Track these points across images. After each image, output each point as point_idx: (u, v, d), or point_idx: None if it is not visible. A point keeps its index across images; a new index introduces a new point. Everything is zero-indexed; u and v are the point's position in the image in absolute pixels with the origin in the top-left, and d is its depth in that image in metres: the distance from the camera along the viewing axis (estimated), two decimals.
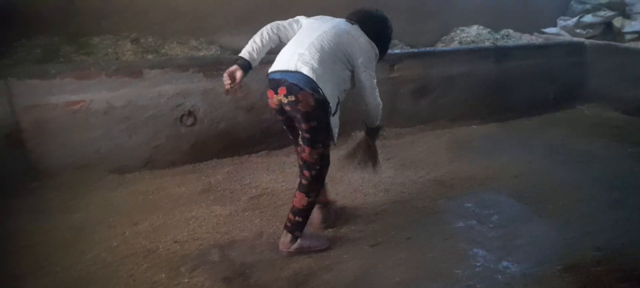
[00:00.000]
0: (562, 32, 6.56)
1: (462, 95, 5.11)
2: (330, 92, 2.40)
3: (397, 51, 4.79)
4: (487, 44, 5.46)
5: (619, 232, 2.98)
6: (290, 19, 2.69)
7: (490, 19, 6.16)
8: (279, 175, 3.65)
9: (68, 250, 2.62)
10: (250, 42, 2.58)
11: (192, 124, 3.76)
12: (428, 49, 5.14)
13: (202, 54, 4.24)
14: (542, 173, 3.85)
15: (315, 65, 2.36)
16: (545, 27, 6.71)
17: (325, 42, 2.45)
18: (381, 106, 2.69)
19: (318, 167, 2.52)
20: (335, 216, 3.01)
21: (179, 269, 2.49)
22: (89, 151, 3.46)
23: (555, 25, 6.76)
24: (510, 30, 6.10)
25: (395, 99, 4.68)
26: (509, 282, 2.47)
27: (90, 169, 3.48)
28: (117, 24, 4.09)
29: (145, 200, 3.23)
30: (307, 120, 2.39)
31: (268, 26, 2.63)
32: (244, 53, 2.55)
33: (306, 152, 2.49)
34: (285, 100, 2.40)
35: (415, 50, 4.96)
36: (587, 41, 6.11)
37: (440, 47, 5.51)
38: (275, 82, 2.43)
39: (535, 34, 6.47)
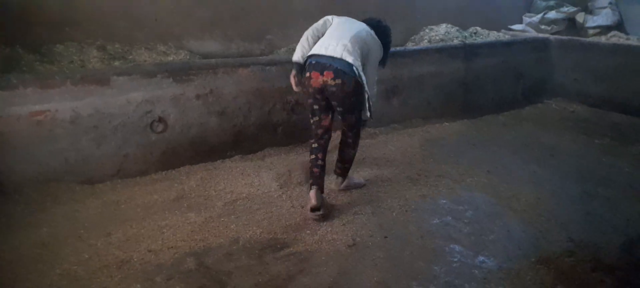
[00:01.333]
0: (528, 28, 6.71)
1: (433, 93, 5.16)
2: (364, 77, 3.03)
3: None
4: (455, 41, 5.53)
5: (590, 223, 3.06)
6: (322, 20, 3.30)
7: (458, 18, 6.26)
8: (254, 179, 3.61)
9: (37, 265, 2.52)
10: (299, 47, 3.22)
11: (163, 131, 3.68)
12: (398, 48, 5.16)
13: (171, 58, 4.18)
14: (513, 168, 3.92)
15: (356, 55, 3.00)
16: (511, 24, 6.85)
17: (360, 39, 3.09)
18: (376, 99, 3.34)
19: (358, 126, 3.25)
20: (327, 204, 3.29)
21: (154, 279, 2.43)
22: (55, 162, 3.35)
23: (521, 22, 6.91)
24: (478, 28, 6.20)
25: None
26: (485, 277, 2.50)
27: (57, 181, 3.36)
28: (82, 31, 3.99)
29: (117, 210, 3.15)
30: (349, 97, 3.01)
31: (309, 31, 3.24)
32: (298, 58, 3.20)
33: (348, 119, 3.16)
34: (332, 83, 2.94)
35: None
36: (552, 37, 6.26)
37: (410, 46, 5.56)
38: (320, 66, 2.96)
39: (502, 31, 6.60)
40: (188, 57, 4.26)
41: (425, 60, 5.05)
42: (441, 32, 5.79)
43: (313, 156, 3.19)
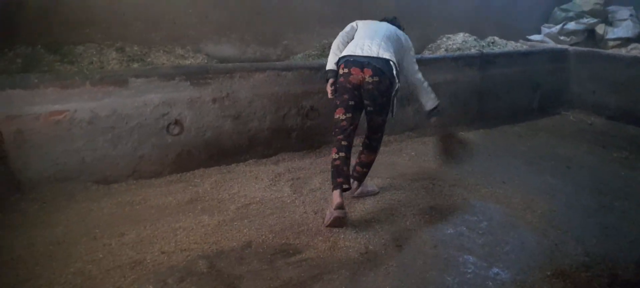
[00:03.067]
0: (547, 39, 6.65)
1: (448, 101, 5.13)
2: (411, 70, 3.35)
3: None
4: (473, 51, 5.50)
5: (606, 237, 3.01)
6: (348, 26, 3.38)
7: (476, 27, 6.23)
8: (267, 184, 3.62)
9: (51, 263, 2.56)
10: (332, 55, 3.30)
11: (179, 133, 3.71)
12: (417, 55, 5.15)
13: (189, 62, 4.20)
14: (529, 179, 3.87)
15: (391, 52, 3.13)
16: (530, 35, 6.80)
17: (392, 37, 3.25)
18: (427, 83, 3.44)
19: (382, 131, 3.29)
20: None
21: (166, 281, 2.44)
22: (72, 162, 3.40)
23: (539, 33, 6.85)
24: (496, 38, 6.16)
25: None
26: None
27: (73, 180, 3.41)
28: (102, 33, 4.04)
29: (131, 211, 3.17)
30: (383, 96, 3.08)
31: (338, 39, 3.34)
32: (331, 66, 3.29)
33: (375, 120, 3.20)
34: (369, 80, 3.02)
35: None
36: (570, 48, 6.20)
37: (426, 54, 5.54)
38: (360, 63, 3.05)
39: (520, 41, 6.55)
40: (206, 61, 4.28)
41: (442, 68, 5.03)
42: (458, 41, 5.76)
43: (342, 154, 3.08)
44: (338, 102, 3.15)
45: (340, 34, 3.35)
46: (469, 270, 2.62)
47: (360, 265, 2.63)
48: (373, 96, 3.06)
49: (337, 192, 3.03)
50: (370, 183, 3.60)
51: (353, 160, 3.34)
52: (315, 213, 3.19)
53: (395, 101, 3.18)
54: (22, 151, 3.23)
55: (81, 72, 3.41)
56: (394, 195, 3.52)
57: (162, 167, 3.71)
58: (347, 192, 3.22)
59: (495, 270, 2.63)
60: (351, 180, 3.26)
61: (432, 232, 3.01)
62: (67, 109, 3.29)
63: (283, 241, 2.86)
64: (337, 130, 3.14)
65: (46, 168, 3.32)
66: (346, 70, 3.08)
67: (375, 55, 3.05)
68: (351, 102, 3.11)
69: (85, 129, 3.38)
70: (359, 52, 3.09)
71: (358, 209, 3.28)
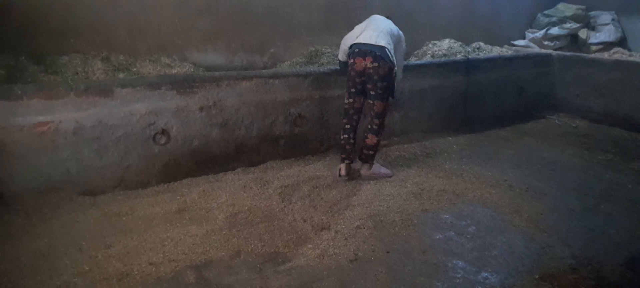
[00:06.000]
0: (531, 44, 6.74)
1: (434, 107, 5.17)
2: (396, 62, 3.71)
3: None
4: (458, 56, 5.55)
5: (592, 239, 3.04)
6: (355, 27, 3.92)
7: (461, 33, 6.30)
8: (255, 192, 3.60)
9: (36, 276, 2.51)
10: (341, 51, 3.93)
11: (166, 143, 3.69)
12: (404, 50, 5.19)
13: (175, 71, 4.19)
14: (515, 182, 3.91)
15: (388, 40, 3.68)
16: (514, 40, 6.88)
17: (389, 30, 3.79)
18: (401, 76, 4.09)
19: (384, 114, 3.80)
20: (355, 172, 3.93)
21: None
22: (57, 173, 3.35)
23: (524, 38, 6.94)
24: (481, 43, 6.23)
25: None
26: None
27: (59, 192, 3.36)
28: (87, 43, 4.02)
29: (118, 222, 3.14)
30: (382, 80, 3.61)
31: (346, 37, 3.90)
32: (344, 57, 3.92)
33: (377, 105, 3.70)
34: (370, 66, 3.59)
35: None
36: (554, 52, 6.28)
37: (412, 60, 5.57)
38: (363, 52, 3.63)
39: (505, 46, 6.63)
40: (192, 70, 4.27)
41: (428, 74, 5.06)
42: (444, 47, 5.81)
43: (346, 135, 3.83)
44: (345, 90, 3.81)
45: (348, 34, 3.90)
46: (458, 275, 2.63)
47: (350, 273, 2.63)
48: (374, 81, 3.61)
49: (342, 165, 3.83)
50: (383, 167, 4.02)
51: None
52: (304, 221, 3.18)
53: (396, 85, 3.80)
54: (5, 162, 3.18)
55: (66, 83, 3.38)
56: (382, 201, 3.52)
57: (149, 177, 3.68)
58: (362, 172, 3.90)
59: (484, 274, 2.64)
60: (360, 163, 3.91)
61: (421, 238, 3.02)
62: (51, 120, 3.25)
63: (272, 250, 2.85)
64: (343, 114, 3.88)
65: (31, 180, 3.28)
66: (352, 60, 3.69)
67: (374, 43, 3.60)
68: (353, 89, 3.74)
69: (71, 139, 3.34)
70: (362, 40, 3.67)
71: (347, 216, 3.28)
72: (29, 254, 2.72)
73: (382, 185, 3.80)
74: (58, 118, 3.27)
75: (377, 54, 3.56)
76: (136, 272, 2.58)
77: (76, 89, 3.31)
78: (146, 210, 3.30)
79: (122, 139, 3.51)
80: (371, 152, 3.85)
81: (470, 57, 5.58)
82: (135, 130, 3.55)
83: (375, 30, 3.72)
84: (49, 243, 2.85)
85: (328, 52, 5.10)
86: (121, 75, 3.81)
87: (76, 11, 3.97)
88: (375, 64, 3.56)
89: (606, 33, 6.46)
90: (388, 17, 4.01)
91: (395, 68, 3.68)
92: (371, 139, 3.81)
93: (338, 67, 4.22)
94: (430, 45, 5.93)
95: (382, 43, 3.61)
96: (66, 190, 3.39)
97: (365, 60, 3.60)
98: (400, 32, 3.95)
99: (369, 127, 3.81)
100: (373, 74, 3.59)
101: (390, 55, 3.62)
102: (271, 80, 4.06)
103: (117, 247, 2.83)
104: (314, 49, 5.16)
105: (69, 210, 3.24)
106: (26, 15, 3.77)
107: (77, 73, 3.70)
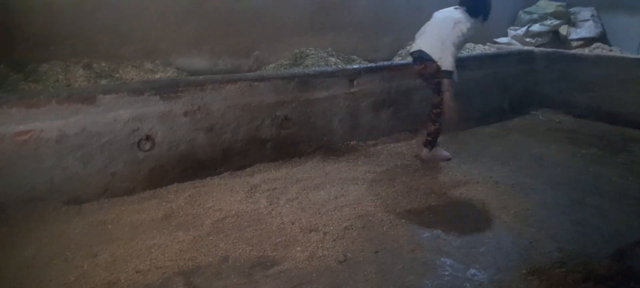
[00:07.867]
0: (513, 41, 6.80)
1: (420, 106, 5.18)
2: (447, 59, 3.98)
3: (356, 66, 4.83)
4: None
5: (579, 233, 3.07)
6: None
7: None
8: (243, 196, 3.58)
9: None
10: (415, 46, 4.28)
11: (150, 148, 3.65)
12: (386, 63, 5.20)
13: (159, 76, 4.16)
14: (502, 179, 3.93)
15: (433, 41, 4.07)
16: (497, 38, 6.93)
17: (436, 26, 4.18)
18: (454, 58, 4.07)
19: (439, 108, 4.20)
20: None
21: None
22: (41, 182, 3.30)
23: (506, 35, 7.00)
24: None
25: (356, 113, 4.71)
26: None
27: (43, 201, 3.31)
28: (68, 50, 3.97)
29: (104, 230, 3.09)
30: (433, 78, 4.11)
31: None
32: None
33: (434, 97, 4.20)
34: (423, 70, 4.15)
35: (374, 65, 5.01)
36: (536, 49, 6.35)
37: (397, 60, 5.59)
38: (414, 60, 4.27)
39: (488, 44, 6.67)
40: (176, 74, 4.24)
41: (413, 73, 5.06)
42: None
43: (437, 125, 4.32)
44: None
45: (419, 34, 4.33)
46: (447, 273, 2.64)
47: (339, 274, 2.62)
48: (427, 80, 4.22)
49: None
50: (444, 150, 4.47)
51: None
52: (293, 224, 3.17)
53: (452, 74, 4.02)
54: None
55: (46, 91, 3.33)
56: (371, 201, 3.52)
57: (134, 184, 3.64)
58: (422, 154, 4.42)
59: (472, 271, 2.65)
60: (422, 147, 4.44)
61: (410, 236, 3.02)
62: (33, 129, 3.20)
63: (260, 253, 2.83)
64: None
65: (13, 190, 3.22)
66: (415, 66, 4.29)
67: (418, 49, 4.12)
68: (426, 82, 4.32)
69: (54, 148, 3.29)
70: (417, 47, 4.16)
71: (335, 217, 3.27)
72: (13, 265, 2.67)
73: (370, 185, 3.80)
74: (40, 126, 3.21)
75: (423, 58, 4.07)
76: (123, 281, 2.54)
77: (57, 97, 3.26)
78: (132, 217, 3.26)
79: (106, 146, 3.47)
80: (430, 138, 4.35)
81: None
82: (119, 137, 3.50)
83: (424, 34, 4.20)
84: (34, 253, 2.80)
85: (313, 54, 5.09)
86: (104, 82, 3.77)
87: (57, 18, 3.91)
88: (424, 66, 4.10)
89: (586, 29, 6.54)
90: (460, 4, 4.25)
91: (438, 61, 3.99)
92: (429, 127, 4.33)
93: (325, 69, 4.52)
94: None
95: (424, 47, 4.07)
96: (51, 199, 3.34)
97: (418, 66, 4.21)
98: (460, 20, 4.10)
99: (429, 116, 4.32)
100: (425, 75, 4.19)
101: (433, 55, 4.00)
102: (256, 83, 4.05)
103: (103, 255, 2.78)
104: (298, 51, 5.15)
105: (54, 220, 3.19)
106: (5, 23, 3.71)
107: (59, 80, 3.65)
